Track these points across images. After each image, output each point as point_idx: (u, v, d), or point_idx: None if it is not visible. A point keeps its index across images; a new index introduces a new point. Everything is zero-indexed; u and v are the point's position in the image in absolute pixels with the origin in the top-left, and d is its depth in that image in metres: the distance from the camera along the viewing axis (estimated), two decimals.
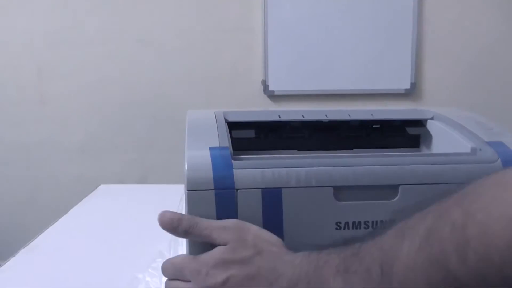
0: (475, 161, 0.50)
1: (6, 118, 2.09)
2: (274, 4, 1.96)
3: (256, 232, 0.46)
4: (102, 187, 1.04)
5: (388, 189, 0.49)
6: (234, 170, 0.47)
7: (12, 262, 0.67)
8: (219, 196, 0.46)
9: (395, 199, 0.49)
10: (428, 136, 0.63)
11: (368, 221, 0.49)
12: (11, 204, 2.14)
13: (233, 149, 0.55)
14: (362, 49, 1.99)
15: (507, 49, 2.04)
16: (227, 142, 0.50)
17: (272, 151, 0.63)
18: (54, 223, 0.82)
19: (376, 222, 0.49)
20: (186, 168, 0.47)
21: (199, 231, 0.45)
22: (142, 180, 2.10)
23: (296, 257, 0.43)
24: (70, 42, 2.03)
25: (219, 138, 0.51)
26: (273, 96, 2.03)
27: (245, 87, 2.04)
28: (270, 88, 2.01)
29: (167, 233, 0.47)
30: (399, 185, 0.49)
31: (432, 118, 0.62)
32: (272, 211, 0.47)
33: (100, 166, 2.12)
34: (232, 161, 0.47)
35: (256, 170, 0.47)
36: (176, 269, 0.46)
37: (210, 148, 0.49)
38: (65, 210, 0.88)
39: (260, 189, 0.47)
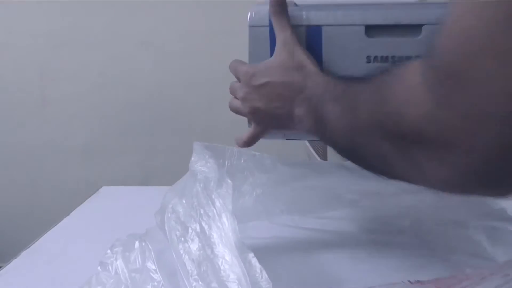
0: None
1: (7, 120, 2.09)
2: None
3: (303, 51, 0.58)
4: (104, 189, 1.03)
5: (412, 28, 0.57)
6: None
7: (13, 264, 0.67)
8: (272, 32, 0.61)
9: (419, 37, 0.57)
10: None
11: (394, 56, 0.57)
12: (12, 206, 2.14)
13: None
14: None
15: None
16: None
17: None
18: (55, 225, 0.81)
19: (402, 57, 0.57)
20: (249, 14, 0.64)
21: None
22: (144, 182, 2.10)
23: (323, 78, 0.54)
24: (72, 44, 2.04)
25: None
26: None
27: None
28: None
29: None
30: (422, 24, 0.56)
31: None
32: (314, 45, 0.59)
33: (102, 168, 2.11)
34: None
35: (301, 12, 0.60)
36: (233, 71, 0.64)
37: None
38: (67, 212, 0.88)
39: (304, 26, 0.59)
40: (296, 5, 0.63)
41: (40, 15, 2.03)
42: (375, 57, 0.57)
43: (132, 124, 2.08)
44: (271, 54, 0.60)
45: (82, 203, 0.93)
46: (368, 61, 0.57)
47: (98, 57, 2.06)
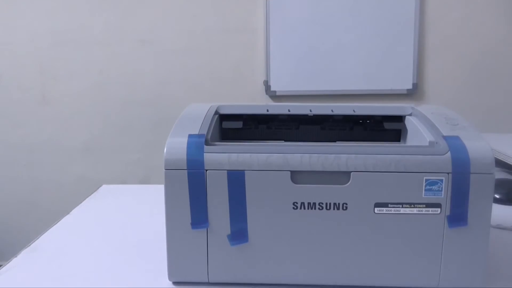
0: (426, 152, 0.54)
1: (8, 118, 2.09)
2: (276, 5, 1.96)
3: None
4: (104, 187, 1.04)
5: (340, 175, 0.54)
6: (205, 153, 0.55)
7: (13, 262, 0.67)
8: (191, 175, 0.55)
9: (347, 184, 0.55)
10: (405, 131, 0.67)
11: (322, 203, 0.55)
12: (13, 205, 2.15)
13: (223, 139, 0.66)
14: (364, 50, 1.99)
15: (509, 49, 2.03)
16: (205, 131, 0.58)
17: (261, 141, 0.68)
18: (56, 223, 0.82)
19: (330, 204, 0.55)
20: (165, 150, 0.56)
21: None
22: (144, 180, 2.10)
23: None
24: (72, 43, 2.04)
25: (201, 127, 0.58)
26: (275, 97, 2.02)
27: (247, 87, 2.04)
28: (272, 89, 2.01)
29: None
30: (350, 172, 0.54)
31: (410, 115, 0.66)
32: (236, 190, 0.55)
33: (102, 166, 2.12)
34: (205, 146, 0.56)
35: (223, 155, 0.55)
36: None
37: (189, 135, 0.57)
38: (67, 211, 0.88)
39: (226, 171, 0.55)
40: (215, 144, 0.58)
41: (41, 14, 2.04)
42: (302, 203, 0.55)
43: (133, 123, 2.08)
44: (191, 199, 0.55)
45: (82, 201, 0.94)
46: (295, 207, 0.55)
47: (98, 55, 2.06)
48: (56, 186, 2.13)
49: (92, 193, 1.00)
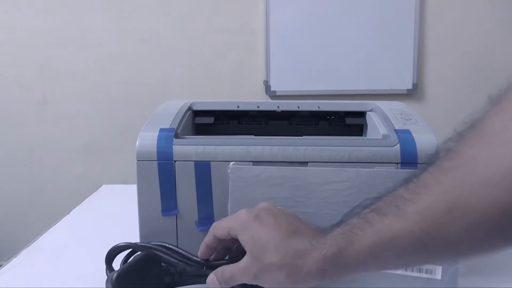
0: (377, 144, 0.59)
1: (8, 118, 2.10)
2: (276, 5, 1.97)
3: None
4: (104, 187, 1.04)
5: (298, 165, 0.59)
6: (173, 146, 0.59)
7: (14, 262, 0.67)
8: (161, 166, 0.59)
9: None
10: (366, 125, 0.71)
11: None
12: (13, 204, 2.16)
13: (197, 133, 0.71)
14: (364, 50, 1.99)
15: (509, 49, 2.04)
16: (176, 125, 0.62)
17: (231, 136, 0.73)
18: (56, 223, 0.82)
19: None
20: (137, 143, 0.59)
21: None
22: None
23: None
24: (72, 42, 2.05)
25: (172, 122, 0.63)
26: (275, 97, 2.03)
27: (248, 87, 2.05)
28: (272, 89, 2.01)
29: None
30: (307, 162, 0.58)
31: (370, 110, 0.70)
32: (203, 180, 0.59)
33: (102, 166, 2.13)
34: (174, 139, 0.60)
35: (191, 147, 0.59)
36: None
37: (160, 129, 0.61)
38: (67, 211, 0.88)
39: (193, 162, 0.59)
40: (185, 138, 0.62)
41: (41, 13, 2.05)
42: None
43: (132, 122, 2.09)
44: (161, 188, 0.60)
45: (82, 201, 0.94)
46: None
47: (98, 55, 2.07)
48: (56, 186, 2.13)
49: (92, 193, 1.00)
